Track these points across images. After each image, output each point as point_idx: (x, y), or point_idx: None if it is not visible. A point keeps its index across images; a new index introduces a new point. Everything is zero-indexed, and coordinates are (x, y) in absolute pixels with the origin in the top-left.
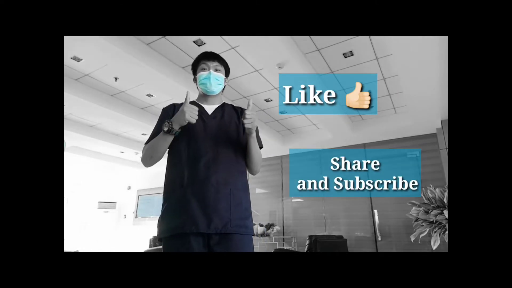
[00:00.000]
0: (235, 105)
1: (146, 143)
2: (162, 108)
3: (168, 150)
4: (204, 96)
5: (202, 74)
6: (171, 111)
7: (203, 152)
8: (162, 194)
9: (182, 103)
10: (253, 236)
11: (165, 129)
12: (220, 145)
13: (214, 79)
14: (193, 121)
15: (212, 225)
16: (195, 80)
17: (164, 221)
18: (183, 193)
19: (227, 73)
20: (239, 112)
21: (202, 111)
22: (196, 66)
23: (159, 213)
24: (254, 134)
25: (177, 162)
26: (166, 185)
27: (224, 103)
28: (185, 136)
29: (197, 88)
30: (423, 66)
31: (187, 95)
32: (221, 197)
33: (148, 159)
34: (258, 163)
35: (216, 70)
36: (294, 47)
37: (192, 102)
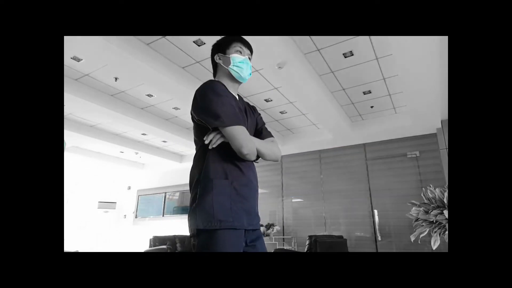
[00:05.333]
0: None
1: (234, 123)
2: (214, 86)
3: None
4: (232, 80)
5: (238, 57)
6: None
7: None
8: (200, 182)
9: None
10: None
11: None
12: None
13: (250, 67)
14: None
15: (251, 222)
16: (220, 58)
17: (210, 212)
18: (233, 187)
19: None
20: (252, 108)
21: (236, 102)
22: (227, 45)
23: (159, 213)
24: None
25: (223, 153)
26: (207, 176)
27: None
28: None
29: (217, 67)
30: (423, 66)
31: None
32: (255, 195)
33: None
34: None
35: (249, 60)
36: (294, 47)
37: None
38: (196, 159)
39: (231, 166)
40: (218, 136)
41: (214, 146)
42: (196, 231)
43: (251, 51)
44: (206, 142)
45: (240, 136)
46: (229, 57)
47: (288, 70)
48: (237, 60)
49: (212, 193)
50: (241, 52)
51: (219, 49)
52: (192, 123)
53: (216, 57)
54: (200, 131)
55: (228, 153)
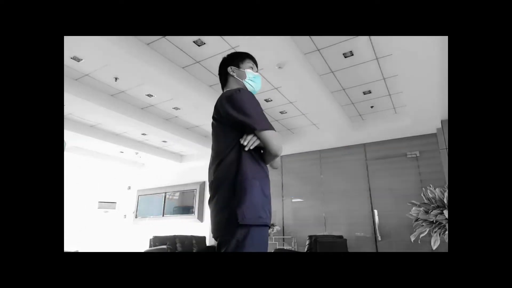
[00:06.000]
0: None
1: (270, 127)
2: (249, 94)
3: (236, 140)
4: None
5: (252, 72)
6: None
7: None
8: (238, 181)
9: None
10: None
11: None
12: None
13: (261, 84)
14: None
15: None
16: (233, 71)
17: (252, 209)
18: (261, 187)
19: None
20: None
21: None
22: (240, 60)
23: (159, 213)
24: None
25: (253, 155)
26: (245, 175)
27: None
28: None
29: (227, 78)
30: (423, 66)
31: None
32: None
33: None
34: None
35: None
36: (294, 47)
37: None
38: (230, 160)
39: (259, 168)
40: (255, 138)
41: (251, 147)
42: (236, 226)
43: (257, 69)
44: (245, 143)
45: (278, 139)
46: (244, 71)
47: (288, 70)
48: (251, 75)
49: (252, 192)
50: (252, 68)
51: (232, 62)
52: (180, 125)
53: (230, 69)
54: (231, 132)
55: (256, 156)
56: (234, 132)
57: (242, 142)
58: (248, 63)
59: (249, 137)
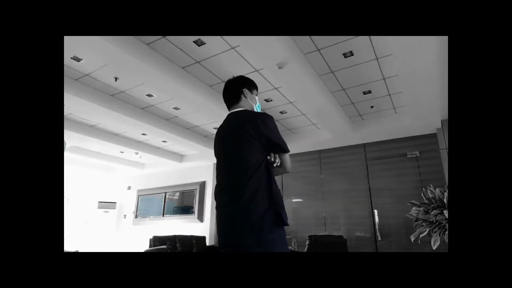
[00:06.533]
0: None
1: (288, 150)
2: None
3: (263, 161)
4: None
5: (257, 100)
6: None
7: None
8: (275, 189)
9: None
10: None
11: None
12: None
13: None
14: None
15: None
16: (246, 94)
17: (284, 213)
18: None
19: None
20: None
21: None
22: (253, 87)
23: (159, 213)
24: None
25: (271, 170)
26: (276, 186)
27: None
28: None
29: (240, 98)
30: (423, 66)
31: None
32: None
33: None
34: None
35: None
36: (294, 47)
37: None
38: (261, 172)
39: (274, 180)
40: (278, 157)
41: (278, 164)
42: (279, 225)
43: None
44: (277, 161)
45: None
46: (255, 97)
47: (288, 70)
48: (258, 102)
49: (281, 199)
50: (257, 96)
51: (248, 86)
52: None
53: (245, 91)
54: (259, 149)
55: (272, 171)
56: (262, 149)
57: (272, 159)
58: (255, 91)
59: (277, 156)
